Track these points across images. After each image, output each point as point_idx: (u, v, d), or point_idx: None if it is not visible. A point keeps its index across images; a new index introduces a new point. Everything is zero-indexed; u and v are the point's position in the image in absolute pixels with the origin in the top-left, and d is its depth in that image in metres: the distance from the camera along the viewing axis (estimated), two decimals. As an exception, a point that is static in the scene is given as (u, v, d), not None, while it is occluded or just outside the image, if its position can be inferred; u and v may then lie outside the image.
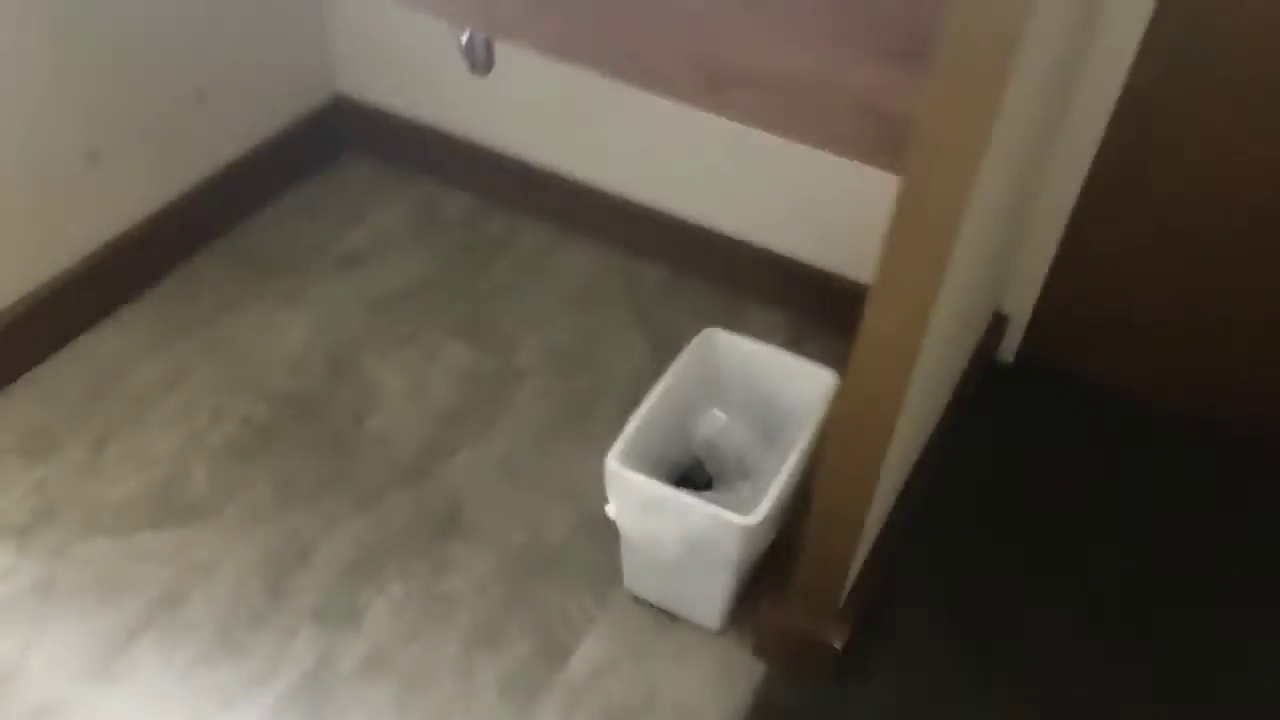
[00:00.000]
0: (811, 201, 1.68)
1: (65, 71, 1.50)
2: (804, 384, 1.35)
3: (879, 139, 0.92)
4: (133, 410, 1.54)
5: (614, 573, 1.38)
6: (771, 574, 1.33)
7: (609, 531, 1.33)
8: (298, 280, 1.78)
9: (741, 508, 1.20)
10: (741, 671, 1.31)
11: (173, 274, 1.76)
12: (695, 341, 1.38)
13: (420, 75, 1.91)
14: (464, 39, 1.45)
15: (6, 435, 1.49)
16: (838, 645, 1.27)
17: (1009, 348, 1.74)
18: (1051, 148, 1.53)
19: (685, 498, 1.21)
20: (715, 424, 1.42)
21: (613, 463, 1.22)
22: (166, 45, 1.64)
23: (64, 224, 1.59)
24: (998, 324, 1.71)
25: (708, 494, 1.30)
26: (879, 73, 0.89)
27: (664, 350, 1.63)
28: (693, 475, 1.41)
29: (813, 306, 1.77)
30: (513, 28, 1.04)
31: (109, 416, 1.53)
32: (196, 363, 1.62)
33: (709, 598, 1.30)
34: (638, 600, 1.37)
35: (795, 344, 1.70)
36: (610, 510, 1.27)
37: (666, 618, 1.36)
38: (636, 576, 1.36)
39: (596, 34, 0.99)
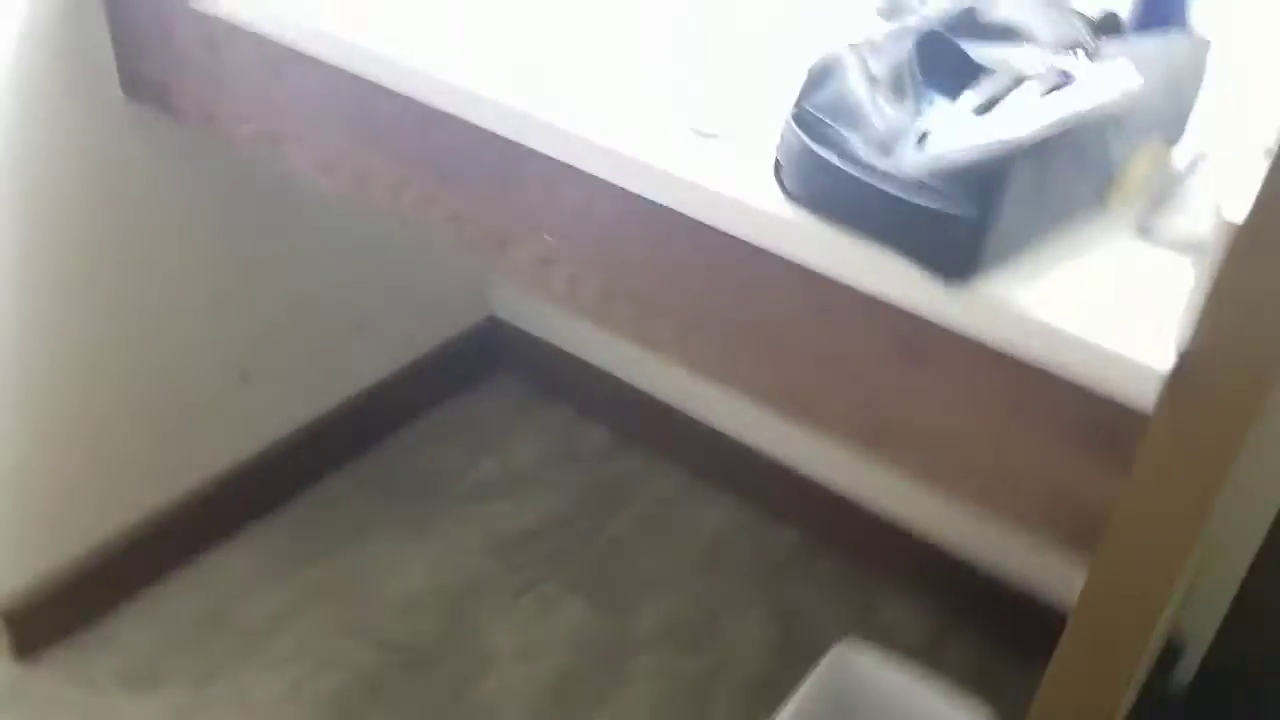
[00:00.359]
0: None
1: (226, 296, 1.53)
2: (946, 724, 1.24)
3: (1054, 519, 0.84)
4: (242, 646, 1.51)
5: None
6: None
7: None
8: (426, 510, 1.75)
9: None
10: None
11: (305, 493, 1.75)
12: (827, 661, 1.28)
13: (570, 310, 1.91)
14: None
15: (114, 659, 1.48)
16: None
17: (1181, 679, 1.58)
18: (1239, 478, 1.41)
19: None
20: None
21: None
22: (328, 275, 1.68)
23: (203, 440, 1.60)
24: (1170, 654, 1.56)
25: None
26: (1061, 453, 0.81)
27: (790, 635, 1.53)
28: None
29: (957, 600, 1.65)
30: (666, 347, 1.01)
31: (217, 651, 1.50)
32: (313, 598, 1.59)
33: None
34: None
35: (935, 641, 1.58)
36: None
37: None
38: None
39: (752, 362, 0.94)
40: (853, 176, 0.73)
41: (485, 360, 2.03)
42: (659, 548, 1.74)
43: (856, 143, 0.74)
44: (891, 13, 1.05)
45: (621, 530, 1.76)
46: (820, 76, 0.77)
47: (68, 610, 1.49)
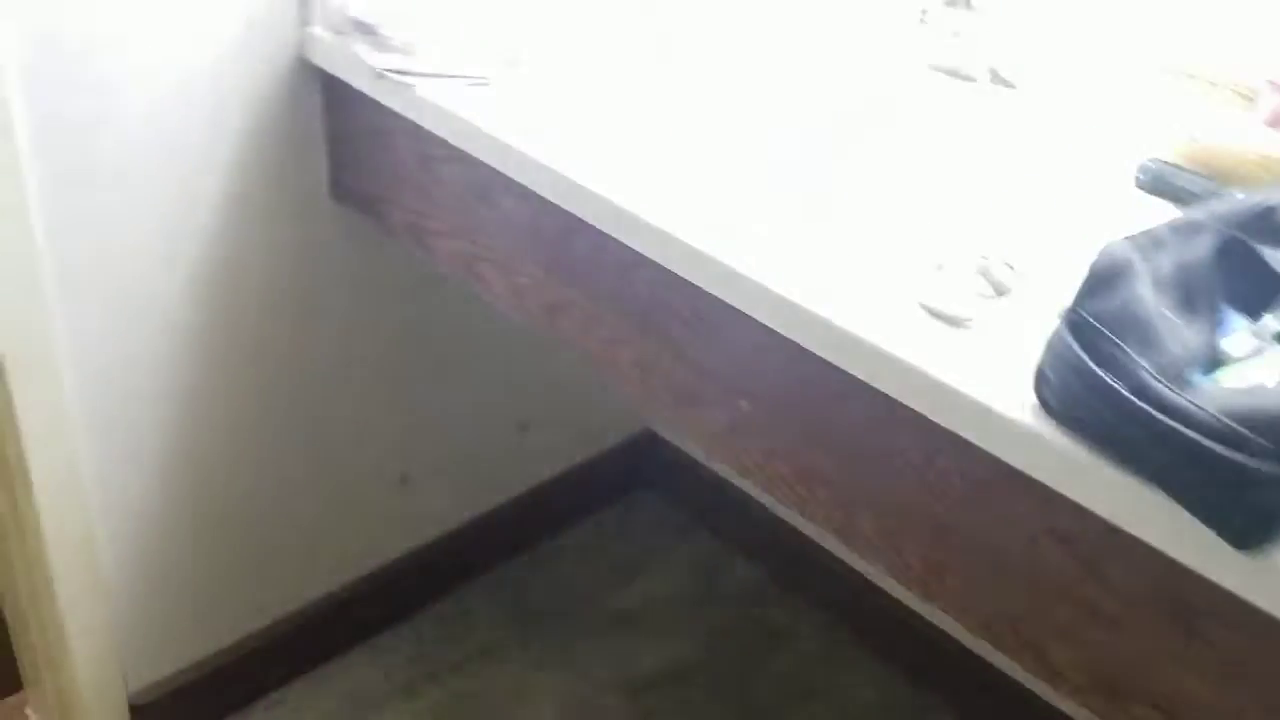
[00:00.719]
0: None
1: (395, 395, 1.50)
2: None
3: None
4: (361, 764, 1.44)
5: None
6: None
7: None
8: (561, 638, 1.67)
9: None
10: None
11: (441, 602, 1.69)
12: None
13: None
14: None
15: (231, 766, 1.43)
16: None
17: None
18: None
19: None
20: None
21: None
22: (493, 378, 1.63)
23: (350, 542, 1.56)
24: None
25: None
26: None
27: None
28: None
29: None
30: (866, 544, 0.90)
31: (335, 767, 1.44)
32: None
33: None
34: None
35: None
36: None
37: None
38: None
39: (969, 581, 0.83)
40: (1141, 410, 0.62)
41: (637, 476, 1.95)
42: (799, 713, 1.61)
43: (1146, 368, 0.63)
44: (1158, 186, 0.95)
45: (762, 688, 1.64)
46: (1106, 279, 0.67)
47: (196, 707, 1.44)
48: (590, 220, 0.96)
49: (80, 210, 1.11)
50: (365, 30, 1.06)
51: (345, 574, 1.56)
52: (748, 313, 0.87)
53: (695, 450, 1.90)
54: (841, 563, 1.73)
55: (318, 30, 1.15)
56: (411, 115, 1.09)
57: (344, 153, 1.24)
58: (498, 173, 1.03)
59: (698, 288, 0.90)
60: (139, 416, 1.25)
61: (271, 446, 1.39)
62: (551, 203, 0.98)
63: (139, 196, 1.14)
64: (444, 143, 1.07)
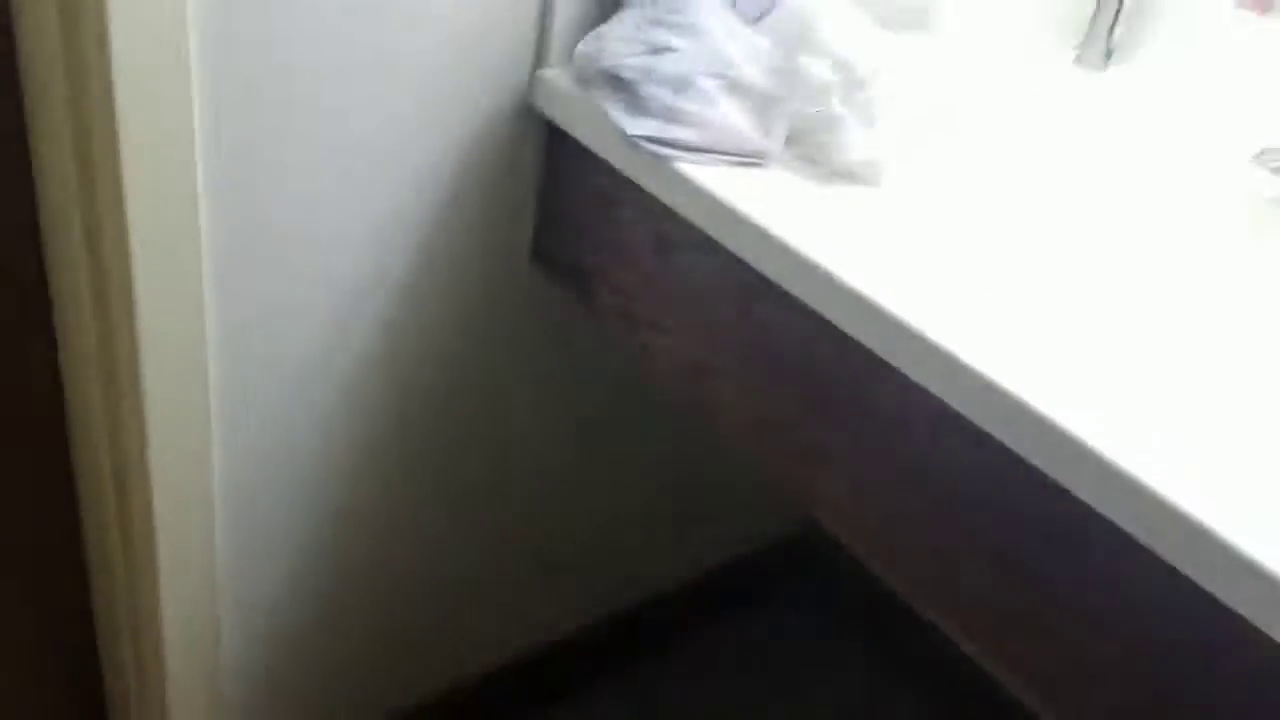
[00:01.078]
0: None
1: (553, 489, 1.31)
2: None
3: None
4: None
5: None
6: None
7: None
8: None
9: None
10: None
11: (567, 701, 1.50)
12: None
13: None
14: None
15: None
16: None
17: None
18: None
19: None
20: None
21: None
22: (658, 467, 1.44)
23: (477, 635, 1.38)
24: None
25: None
26: None
27: None
28: None
29: None
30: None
31: None
32: None
33: None
34: None
35: None
36: None
37: None
38: None
39: None
40: None
41: (794, 579, 1.74)
42: None
43: None
44: None
45: None
46: None
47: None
48: (893, 360, 0.76)
49: (246, 259, 0.93)
50: (620, 86, 0.87)
51: (467, 668, 1.39)
52: (1076, 493, 0.66)
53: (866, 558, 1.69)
54: (1026, 711, 1.51)
55: (552, 75, 0.96)
56: (654, 189, 0.90)
57: (556, 214, 1.06)
58: (755, 272, 0.83)
59: (993, 437, 0.69)
60: (284, 499, 1.08)
61: (422, 534, 1.22)
62: (841, 330, 0.78)
63: (319, 245, 0.96)
64: (692, 227, 0.88)
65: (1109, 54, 1.12)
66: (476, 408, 1.16)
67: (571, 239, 1.05)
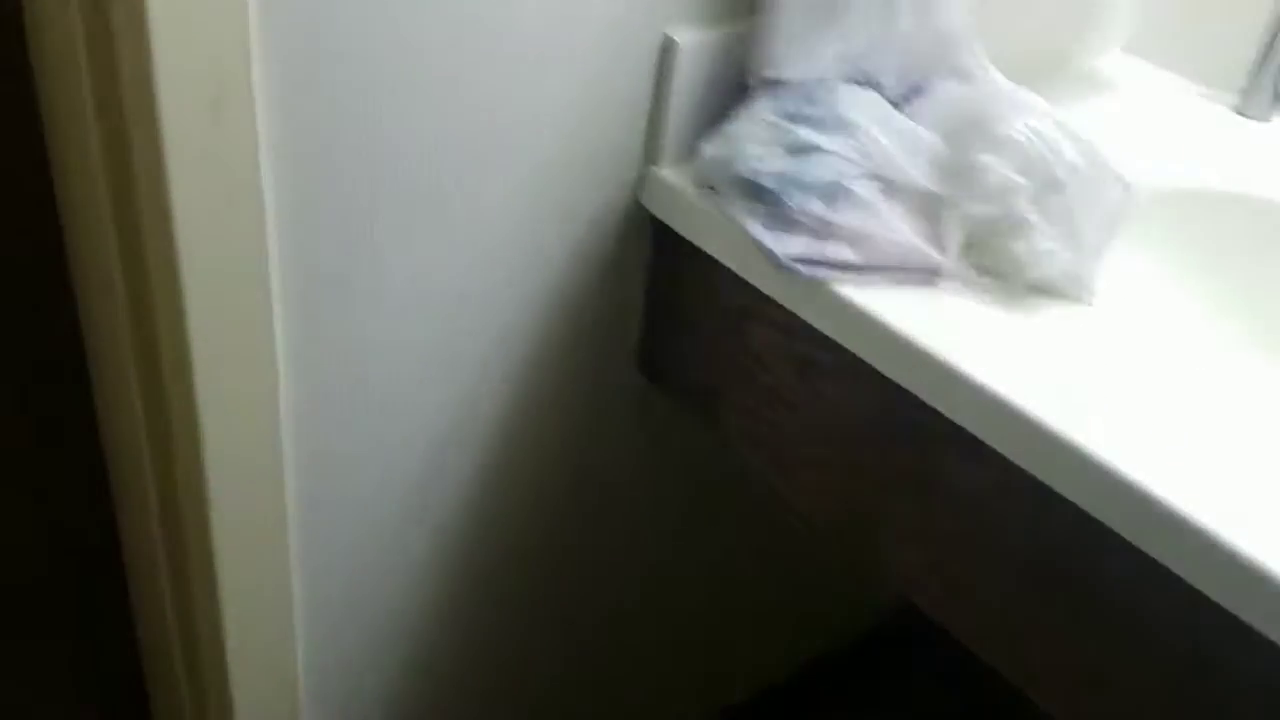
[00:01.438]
0: None
1: (649, 589, 1.18)
2: None
3: None
4: None
5: None
6: None
7: None
8: None
9: None
10: None
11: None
12: None
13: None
14: None
15: None
16: None
17: None
18: None
19: None
20: None
21: None
22: (764, 590, 1.31)
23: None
24: None
25: None
26: None
27: None
28: None
29: None
30: None
31: None
32: None
33: None
34: None
35: None
36: None
37: None
38: None
39: None
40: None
41: (893, 665, 1.61)
42: None
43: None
44: None
45: None
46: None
47: None
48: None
49: (335, 376, 0.79)
50: (759, 197, 0.73)
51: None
52: None
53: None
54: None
55: (668, 175, 0.82)
56: (803, 312, 0.76)
57: (667, 325, 0.92)
58: (950, 422, 0.69)
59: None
60: (368, 644, 0.95)
61: (513, 661, 1.09)
62: (1065, 498, 0.64)
63: (411, 357, 0.82)
64: (847, 352, 0.74)
65: (1277, 98, 0.99)
66: (572, 545, 1.03)
67: (686, 352, 0.91)
